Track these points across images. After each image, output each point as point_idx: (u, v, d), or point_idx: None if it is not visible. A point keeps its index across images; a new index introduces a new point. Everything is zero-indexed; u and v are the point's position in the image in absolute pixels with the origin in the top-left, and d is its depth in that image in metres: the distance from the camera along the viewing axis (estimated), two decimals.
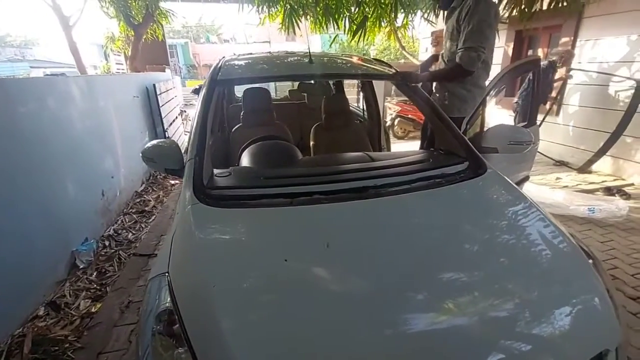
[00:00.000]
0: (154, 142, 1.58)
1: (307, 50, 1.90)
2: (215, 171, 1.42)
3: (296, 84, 4.00)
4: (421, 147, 2.39)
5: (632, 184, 3.86)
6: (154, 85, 4.58)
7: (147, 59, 5.79)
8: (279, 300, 0.85)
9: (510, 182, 1.43)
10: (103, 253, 2.72)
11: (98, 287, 2.35)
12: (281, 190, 1.22)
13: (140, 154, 1.53)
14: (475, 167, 1.43)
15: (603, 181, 3.96)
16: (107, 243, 2.86)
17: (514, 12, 2.76)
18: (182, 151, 1.50)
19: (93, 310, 2.13)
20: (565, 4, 2.62)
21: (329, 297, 0.86)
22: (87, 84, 2.99)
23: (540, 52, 4.96)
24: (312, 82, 2.18)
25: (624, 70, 3.86)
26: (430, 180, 1.33)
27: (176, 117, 5.91)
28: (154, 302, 0.93)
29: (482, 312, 0.86)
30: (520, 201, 1.28)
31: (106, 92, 3.38)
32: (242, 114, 2.46)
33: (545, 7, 2.68)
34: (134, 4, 4.74)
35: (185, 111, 7.36)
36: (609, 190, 3.62)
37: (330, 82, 3.13)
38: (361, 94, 2.90)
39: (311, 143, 2.42)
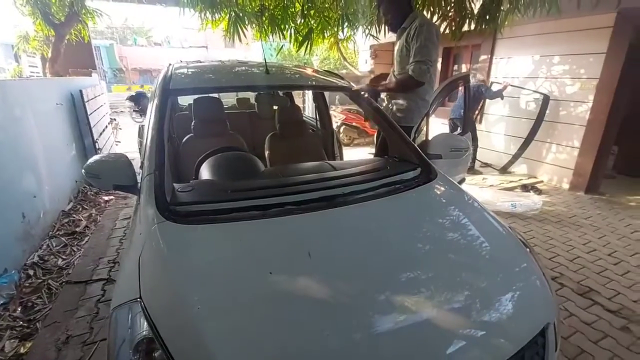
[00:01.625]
0: (98, 156, 1.45)
1: (259, 60, 1.91)
2: (176, 186, 1.35)
3: (241, 92, 3.97)
4: (376, 154, 2.53)
5: (542, 181, 4.53)
6: (81, 91, 4.13)
7: (70, 62, 5.15)
8: (269, 316, 0.85)
9: (457, 184, 1.61)
10: (27, 284, 2.36)
11: (25, 324, 2.03)
12: (251, 203, 1.21)
13: (83, 171, 1.40)
14: (427, 172, 1.57)
15: (520, 180, 4.58)
16: (31, 272, 2.49)
17: (446, 31, 3.09)
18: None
19: (22, 351, 1.84)
20: (486, 26, 3.01)
21: (320, 307, 0.88)
22: (0, 90, 2.60)
23: (464, 67, 5.59)
24: (270, 92, 2.19)
25: (530, 85, 4.54)
26: (391, 187, 1.43)
27: (106, 126, 5.38)
28: (125, 332, 0.85)
29: (447, 304, 0.96)
30: (467, 202, 1.45)
31: (23, 99, 2.96)
32: (192, 124, 2.36)
33: (472, 27, 3.06)
34: (53, 0, 4.21)
35: (114, 119, 6.75)
36: (525, 188, 4.20)
37: (280, 92, 3.16)
38: (313, 104, 2.97)
39: (266, 152, 2.41)
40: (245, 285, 0.92)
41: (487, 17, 2.99)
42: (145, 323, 0.83)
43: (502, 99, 4.66)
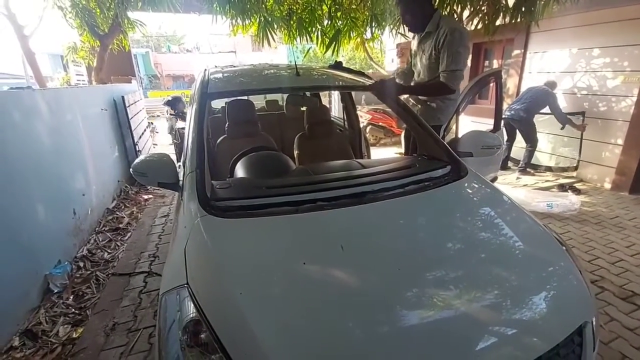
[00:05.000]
0: (143, 156, 1.57)
1: (289, 63, 1.98)
2: (214, 183, 1.44)
3: (269, 95, 4.09)
4: (405, 153, 2.53)
5: (581, 181, 4.30)
6: (123, 97, 4.42)
7: (112, 70, 5.54)
8: (305, 302, 0.90)
9: (489, 182, 1.59)
10: (78, 275, 2.58)
11: (77, 312, 2.22)
12: (285, 199, 1.27)
13: (131, 169, 1.52)
14: (457, 170, 1.56)
15: (557, 179, 4.38)
16: (81, 264, 2.71)
17: (479, 26, 3.03)
18: None
19: (74, 335, 2.02)
20: (522, 19, 2.92)
21: (351, 295, 0.93)
22: (54, 97, 2.85)
23: (495, 63, 5.41)
24: (300, 94, 2.27)
25: (567, 80, 4.33)
26: (420, 184, 1.44)
27: (144, 130, 5.71)
28: (175, 315, 0.93)
29: (478, 301, 0.96)
30: (500, 199, 1.43)
31: (74, 105, 3.22)
32: (226, 125, 2.48)
33: (506, 21, 2.97)
34: (98, 13, 4.56)
35: (152, 123, 7.13)
36: (563, 187, 4.01)
37: (308, 93, 3.23)
38: (340, 104, 3.01)
39: (295, 152, 2.48)
40: (281, 274, 0.98)
41: (523, 9, 2.90)
42: (193, 306, 0.91)
43: (562, 128, 4.21)
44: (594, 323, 1.03)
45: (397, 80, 2.45)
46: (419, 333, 0.87)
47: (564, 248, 1.23)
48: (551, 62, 4.47)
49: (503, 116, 4.23)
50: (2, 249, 1.97)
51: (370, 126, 6.66)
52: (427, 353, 0.84)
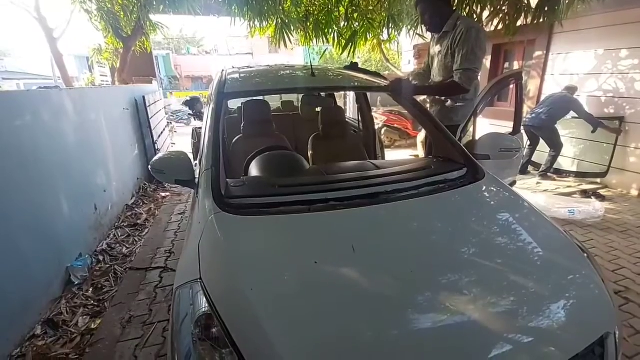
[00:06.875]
0: (161, 154, 1.61)
1: (304, 64, 1.98)
2: (229, 181, 1.46)
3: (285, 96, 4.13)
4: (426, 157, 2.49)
5: (606, 187, 4.13)
6: (144, 97, 4.55)
7: (133, 71, 5.74)
8: (315, 300, 0.91)
9: (507, 185, 1.55)
10: (98, 268, 2.66)
11: (96, 303, 2.30)
12: (297, 198, 1.28)
13: (150, 166, 1.56)
14: (474, 172, 1.53)
15: (579, 184, 4.22)
16: (101, 258, 2.80)
17: (499, 27, 2.97)
18: None
19: (93, 326, 2.08)
20: (545, 19, 2.85)
21: (361, 295, 0.92)
22: (80, 97, 2.96)
23: (515, 65, 5.28)
24: (315, 94, 2.29)
25: (592, 82, 4.17)
26: (435, 186, 1.41)
27: (164, 129, 5.86)
28: (188, 308, 0.95)
29: (492, 307, 0.94)
30: (519, 203, 1.39)
31: (98, 104, 3.35)
32: (242, 125, 2.51)
33: (528, 21, 2.90)
34: (122, 16, 4.75)
35: (171, 123, 7.31)
36: (586, 193, 3.86)
37: (323, 94, 3.23)
38: (355, 105, 3.01)
39: (309, 153, 2.48)
40: (292, 272, 0.99)
41: (547, 8, 2.82)
42: (205, 301, 0.92)
43: (593, 131, 3.97)
44: (616, 334, 0.98)
45: (413, 81, 2.42)
46: (430, 337, 0.86)
47: (585, 255, 1.19)
48: (575, 63, 4.33)
49: (523, 123, 4.12)
50: (31, 239, 2.07)
51: (385, 128, 6.61)
52: (439, 358, 0.83)
